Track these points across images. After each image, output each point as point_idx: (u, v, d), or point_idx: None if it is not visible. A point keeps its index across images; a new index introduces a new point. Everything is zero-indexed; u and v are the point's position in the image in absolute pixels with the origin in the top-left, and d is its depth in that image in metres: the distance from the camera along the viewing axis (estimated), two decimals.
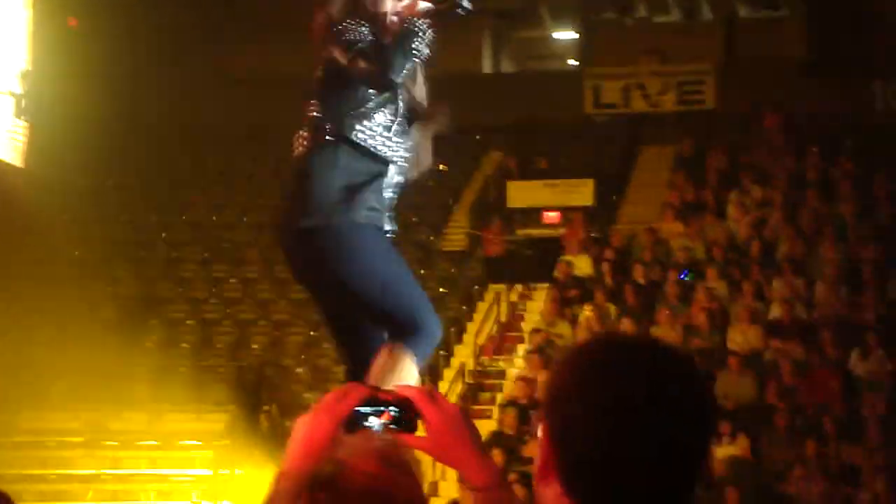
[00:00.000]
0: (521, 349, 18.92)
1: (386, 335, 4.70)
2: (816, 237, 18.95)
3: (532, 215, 22.34)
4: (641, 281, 18.65)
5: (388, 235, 4.81)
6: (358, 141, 4.72)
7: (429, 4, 4.92)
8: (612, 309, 18.16)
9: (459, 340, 19.81)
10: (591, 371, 2.05)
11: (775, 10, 27.03)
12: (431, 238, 22.61)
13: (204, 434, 17.24)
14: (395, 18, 4.89)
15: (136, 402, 17.86)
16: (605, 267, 19.15)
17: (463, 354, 19.25)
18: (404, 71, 4.76)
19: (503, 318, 19.86)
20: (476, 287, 20.90)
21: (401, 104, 4.89)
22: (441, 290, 21.17)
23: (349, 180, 4.68)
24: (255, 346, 20.20)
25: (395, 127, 4.83)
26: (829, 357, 16.57)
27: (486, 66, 27.98)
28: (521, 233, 21.92)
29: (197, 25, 25.33)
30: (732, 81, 24.55)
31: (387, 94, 4.82)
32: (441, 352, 19.41)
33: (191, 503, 16.33)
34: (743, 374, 16.32)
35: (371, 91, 4.77)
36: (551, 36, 29.32)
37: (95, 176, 23.11)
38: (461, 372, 18.60)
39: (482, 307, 20.35)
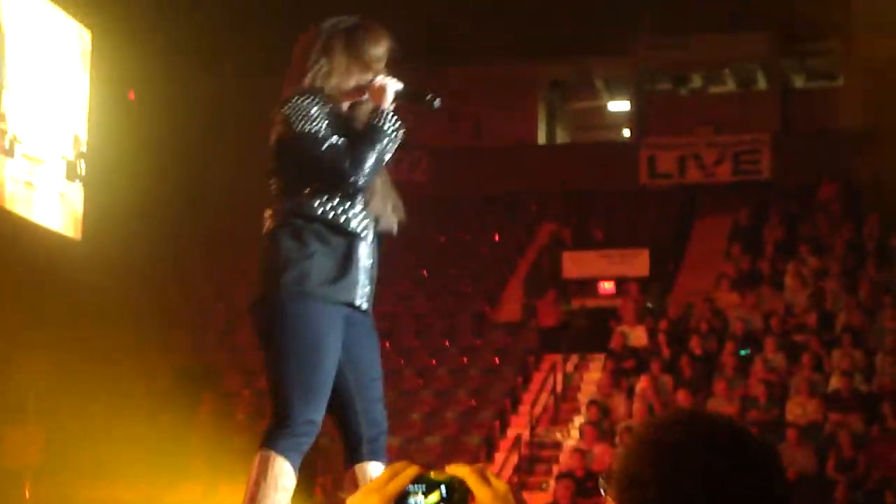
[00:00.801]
0: (577, 420, 18.78)
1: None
2: (876, 307, 18.75)
3: (587, 285, 22.28)
4: (698, 352, 18.50)
5: (351, 309, 4.87)
6: (318, 216, 4.74)
7: (395, 89, 4.91)
8: (669, 380, 18.01)
9: (515, 411, 19.70)
10: (670, 454, 1.99)
11: (831, 79, 26.98)
12: (486, 308, 22.57)
13: None
14: (359, 97, 4.91)
15: (191, 474, 17.85)
16: (661, 338, 19.03)
17: (518, 425, 19.13)
18: (371, 175, 4.77)
19: (558, 389, 19.74)
20: (531, 357, 20.80)
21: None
22: (496, 360, 21.11)
23: (307, 254, 4.71)
24: None
25: (357, 198, 4.83)
26: (890, 429, 16.33)
27: (541, 137, 28.06)
28: (577, 303, 21.85)
29: (254, 96, 25.56)
30: (788, 151, 24.48)
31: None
32: (496, 422, 19.32)
33: None
34: (802, 446, 16.10)
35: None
36: (606, 106, 29.39)
37: (152, 246, 23.28)
38: (517, 443, 18.48)
39: (537, 377, 20.25)
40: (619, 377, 18.43)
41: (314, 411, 4.79)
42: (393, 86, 4.94)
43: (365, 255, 4.92)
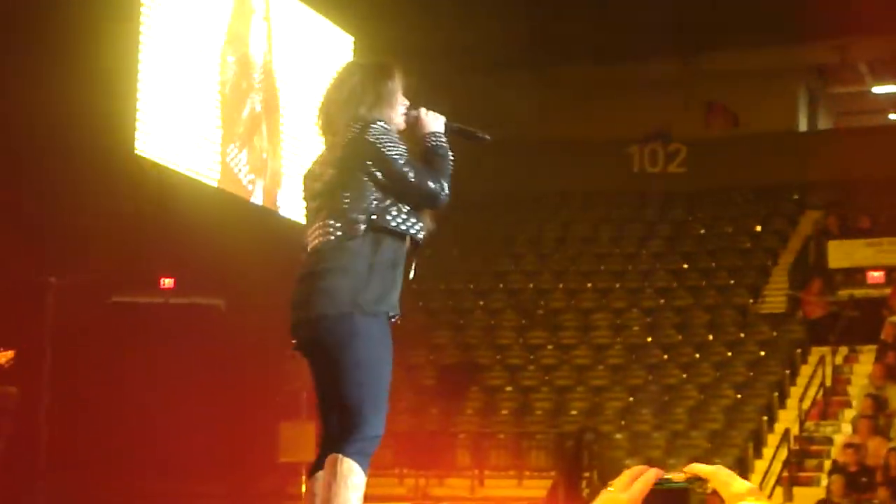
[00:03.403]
0: (848, 414, 18.28)
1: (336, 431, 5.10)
2: None
3: (854, 275, 21.64)
4: None
5: (392, 320, 5.14)
6: (391, 228, 5.10)
7: (438, 123, 5.35)
8: None
9: (783, 405, 19.32)
10: None
11: None
12: (750, 301, 22.18)
13: (526, 501, 17.33)
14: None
15: (458, 468, 18.13)
16: None
17: (787, 419, 18.74)
18: (448, 195, 5.24)
19: (828, 382, 19.24)
20: (798, 350, 20.34)
21: None
22: (761, 353, 20.73)
23: (370, 271, 5.04)
24: (573, 412, 20.22)
25: (417, 213, 5.22)
26: None
27: (802, 124, 27.37)
28: (844, 293, 21.24)
29: (506, 95, 25.78)
30: None
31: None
32: (764, 417, 18.97)
33: None
34: None
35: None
36: (870, 90, 28.46)
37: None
38: (785, 437, 18.10)
39: (805, 371, 19.79)
40: (893, 369, 17.83)
41: (382, 426, 5.11)
42: (438, 117, 5.39)
43: (408, 267, 5.28)
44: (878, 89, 28.33)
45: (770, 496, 16.83)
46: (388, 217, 5.10)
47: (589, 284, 23.22)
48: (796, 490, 17.13)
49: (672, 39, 23.47)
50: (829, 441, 18.02)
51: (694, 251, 23.58)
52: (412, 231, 5.15)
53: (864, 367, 19.13)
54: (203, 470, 15.82)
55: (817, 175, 24.16)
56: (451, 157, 5.31)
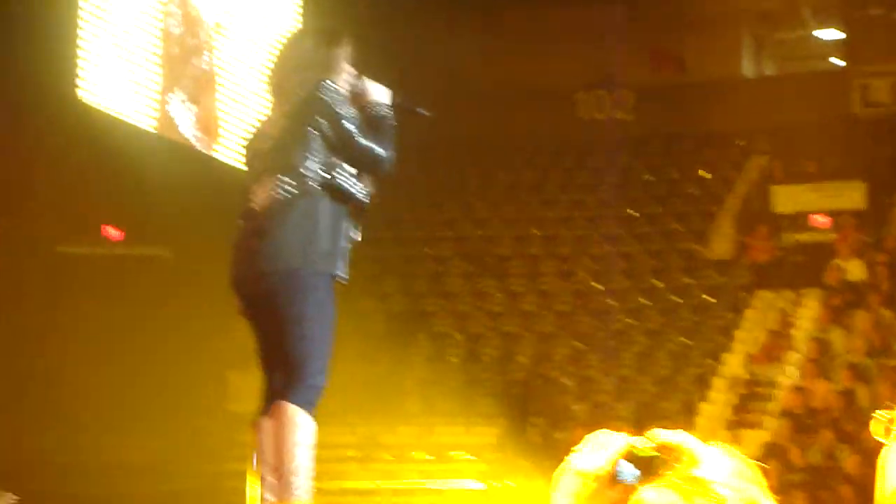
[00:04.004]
0: (793, 357, 18.45)
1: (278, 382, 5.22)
2: None
3: (799, 220, 21.78)
4: None
5: (337, 279, 5.24)
6: (338, 185, 5.16)
7: (383, 94, 5.44)
8: (889, 314, 17.52)
9: (728, 349, 19.45)
10: None
11: None
12: (696, 246, 22.29)
13: (475, 447, 17.41)
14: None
15: (407, 416, 18.16)
16: (881, 271, 18.50)
17: (732, 363, 18.89)
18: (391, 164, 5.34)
19: (773, 326, 19.40)
20: (743, 295, 20.48)
21: None
22: (707, 297, 20.86)
23: (317, 228, 5.12)
24: (521, 359, 20.29)
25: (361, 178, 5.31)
26: None
27: (747, 70, 27.43)
28: (789, 238, 21.39)
29: (452, 41, 25.68)
30: None
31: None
32: (710, 361, 19.11)
33: None
34: None
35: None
36: (814, 35, 28.54)
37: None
38: (731, 381, 18.25)
39: (750, 315, 19.94)
40: (837, 313, 18.00)
41: (325, 378, 5.27)
42: (383, 89, 5.48)
43: (349, 223, 5.34)
44: (821, 34, 28.41)
45: (717, 439, 17.00)
46: (338, 176, 5.17)
47: (536, 231, 23.24)
48: (743, 433, 17.29)
49: None
50: (775, 384, 18.19)
51: (640, 197, 23.64)
52: (359, 194, 5.23)
53: (808, 311, 19.29)
54: (150, 421, 15.76)
55: (762, 121, 24.24)
56: (394, 126, 5.39)
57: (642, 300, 21.07)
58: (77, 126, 16.77)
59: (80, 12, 16.38)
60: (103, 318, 17.78)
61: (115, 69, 16.87)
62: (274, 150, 5.24)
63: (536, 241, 23.07)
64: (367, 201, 5.32)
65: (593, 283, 21.57)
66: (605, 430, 2.28)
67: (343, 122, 5.18)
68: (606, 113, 25.31)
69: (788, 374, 18.09)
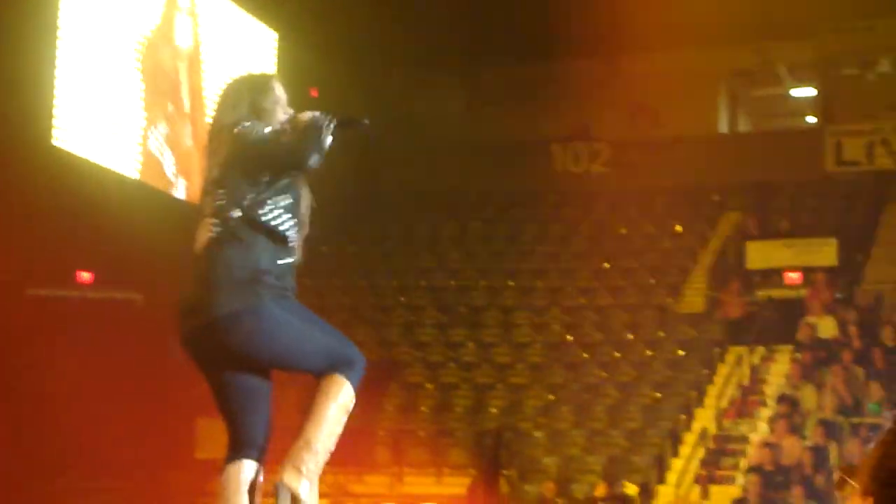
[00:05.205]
0: (764, 413, 18.46)
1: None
2: None
3: (772, 276, 21.86)
4: (890, 343, 18.00)
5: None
6: (262, 222, 5.08)
7: (315, 117, 5.24)
8: (861, 372, 17.56)
9: (700, 404, 19.46)
10: None
11: None
12: (669, 300, 22.34)
13: (445, 498, 17.31)
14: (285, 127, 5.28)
15: (377, 465, 18.08)
16: (852, 329, 18.56)
17: (704, 418, 18.90)
18: (319, 156, 5.11)
19: (745, 381, 19.42)
20: (716, 349, 20.51)
21: (296, 192, 5.22)
22: (680, 352, 20.88)
23: (257, 262, 5.04)
24: (493, 410, 20.24)
25: (294, 210, 5.19)
26: None
27: (723, 126, 27.63)
28: (762, 294, 21.46)
29: (431, 96, 25.78)
30: None
31: (287, 180, 5.16)
32: (682, 416, 19.11)
33: None
34: None
35: (277, 174, 5.12)
36: (789, 93, 28.78)
37: (335, 243, 23.63)
38: (703, 436, 18.25)
39: (723, 370, 19.96)
40: (809, 369, 18.03)
41: (360, 353, 5.17)
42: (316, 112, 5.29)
43: (292, 258, 5.23)
44: (796, 92, 28.66)
45: (687, 495, 16.96)
46: (261, 212, 5.10)
47: (511, 283, 23.26)
48: (713, 488, 17.27)
49: (593, 41, 23.60)
50: (746, 440, 18.19)
51: (615, 250, 23.69)
52: (282, 227, 5.14)
53: (780, 367, 19.33)
54: (118, 466, 15.64)
55: (737, 176, 24.38)
56: (328, 132, 5.18)
57: (615, 353, 21.08)
58: (50, 171, 16.74)
59: (56, 61, 16.38)
60: (73, 360, 17.67)
61: (92, 113, 16.85)
62: (204, 194, 5.24)
63: (511, 291, 23.09)
64: (294, 235, 5.21)
65: (567, 336, 21.57)
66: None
67: (252, 134, 5.14)
68: (582, 166, 25.41)
69: (759, 429, 18.08)
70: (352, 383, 5.13)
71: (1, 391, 16.99)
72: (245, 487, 5.18)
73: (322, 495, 16.54)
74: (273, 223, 5.14)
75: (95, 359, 17.43)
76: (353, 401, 5.12)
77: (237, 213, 5.12)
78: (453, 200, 24.96)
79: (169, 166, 18.00)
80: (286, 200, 5.19)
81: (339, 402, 5.11)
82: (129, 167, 17.50)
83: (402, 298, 23.26)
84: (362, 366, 5.18)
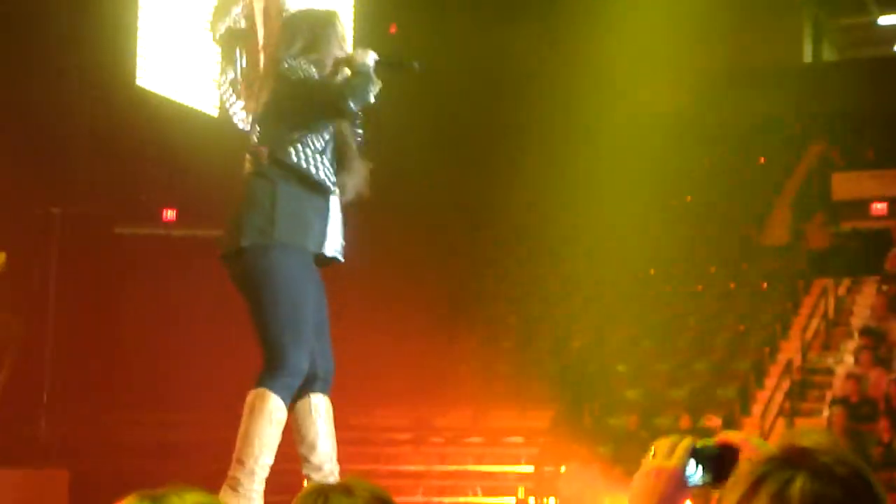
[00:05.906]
0: (850, 345, 18.30)
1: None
2: None
3: (858, 207, 21.59)
4: None
5: (322, 258, 5.14)
6: (292, 164, 5.06)
7: (373, 58, 5.20)
8: None
9: (785, 336, 19.33)
10: None
11: None
12: (753, 232, 22.14)
13: (527, 431, 17.40)
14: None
15: (461, 400, 18.18)
16: None
17: (789, 350, 18.76)
18: (360, 105, 5.10)
19: (830, 314, 19.25)
20: (801, 281, 20.33)
21: (333, 131, 5.19)
22: (764, 284, 20.72)
23: (282, 204, 5.04)
24: (575, 343, 20.25)
25: (328, 152, 5.14)
26: None
27: (807, 55, 27.21)
28: (847, 225, 21.21)
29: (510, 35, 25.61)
30: None
31: (324, 123, 5.15)
32: (767, 348, 19.00)
33: (516, 499, 16.50)
34: None
35: (315, 117, 5.11)
36: (876, 21, 28.25)
37: (424, 182, 23.60)
38: (788, 369, 18.14)
39: (808, 302, 19.79)
40: (895, 301, 17.83)
41: (305, 358, 5.11)
42: (367, 52, 5.24)
43: (336, 209, 5.18)
44: (883, 20, 28.13)
45: (772, 427, 16.90)
46: (291, 153, 5.09)
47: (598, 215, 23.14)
48: (798, 421, 17.17)
49: None
50: (831, 372, 18.06)
51: (698, 182, 23.50)
52: (313, 171, 5.10)
53: (866, 299, 19.13)
54: (203, 401, 15.88)
55: (822, 107, 24.04)
56: (375, 82, 5.18)
57: (698, 286, 20.97)
58: (135, 111, 16.92)
59: (140, 2, 16.55)
60: (160, 298, 17.93)
61: (173, 53, 17.00)
62: (250, 129, 5.32)
63: (597, 222, 22.94)
64: (322, 178, 5.15)
65: (650, 269, 21.48)
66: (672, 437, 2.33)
67: (296, 72, 5.13)
68: (664, 99, 25.19)
69: (845, 361, 17.95)
70: (277, 393, 5.09)
71: (91, 329, 17.29)
72: (276, 416, 5.16)
73: (405, 429, 16.62)
74: (304, 166, 5.10)
75: (182, 296, 17.68)
76: (282, 410, 5.09)
77: (267, 152, 5.12)
78: (533, 136, 24.84)
79: (242, 118, 18.13)
80: (320, 143, 5.16)
81: (264, 415, 5.06)
82: (209, 106, 17.63)
83: (488, 231, 23.25)
84: (294, 376, 5.11)
